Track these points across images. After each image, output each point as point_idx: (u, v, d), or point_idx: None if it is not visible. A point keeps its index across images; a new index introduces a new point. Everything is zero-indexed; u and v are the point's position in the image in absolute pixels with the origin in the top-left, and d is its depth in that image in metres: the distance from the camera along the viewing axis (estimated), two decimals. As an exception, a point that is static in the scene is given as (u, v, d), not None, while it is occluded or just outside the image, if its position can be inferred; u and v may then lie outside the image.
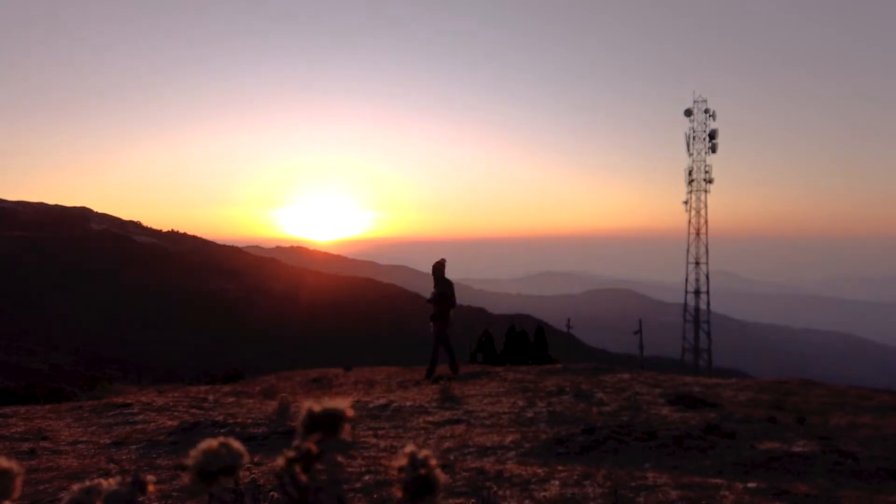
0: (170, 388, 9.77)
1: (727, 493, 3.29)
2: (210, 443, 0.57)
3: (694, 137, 53.61)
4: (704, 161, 53.62)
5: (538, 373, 10.12)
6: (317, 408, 0.53)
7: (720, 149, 53.58)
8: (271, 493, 2.97)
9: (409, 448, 0.55)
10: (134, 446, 4.71)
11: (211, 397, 7.71)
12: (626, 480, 3.46)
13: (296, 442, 0.55)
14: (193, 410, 6.54)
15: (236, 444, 0.57)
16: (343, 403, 0.53)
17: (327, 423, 0.52)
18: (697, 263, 53.26)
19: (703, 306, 52.38)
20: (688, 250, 53.58)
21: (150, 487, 0.63)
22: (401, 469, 0.54)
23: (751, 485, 3.43)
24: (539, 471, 3.71)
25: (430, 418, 6.12)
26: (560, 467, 3.83)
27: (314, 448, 0.54)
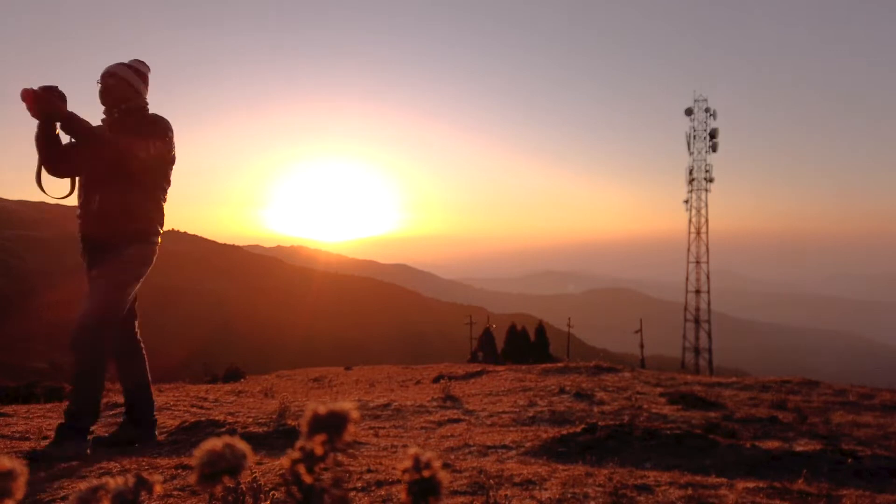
0: (170, 388, 9.80)
1: (728, 492, 3.29)
2: (214, 443, 0.57)
3: (694, 136, 53.65)
4: (705, 160, 53.71)
5: (539, 372, 10.12)
6: (321, 409, 0.53)
7: (721, 148, 53.67)
8: (272, 492, 2.97)
9: (413, 450, 0.55)
10: (135, 445, 4.72)
11: (211, 396, 7.72)
12: (627, 480, 3.46)
13: (300, 443, 0.56)
14: (194, 409, 6.54)
15: (241, 445, 0.57)
16: (348, 405, 0.53)
17: (332, 424, 0.52)
18: (698, 262, 53.29)
19: (703, 305, 52.43)
20: (688, 249, 53.62)
21: (158, 488, 0.63)
22: (405, 471, 0.54)
23: (751, 484, 3.44)
24: (540, 470, 3.71)
25: (430, 417, 6.12)
26: (561, 467, 3.83)
27: (319, 449, 0.54)
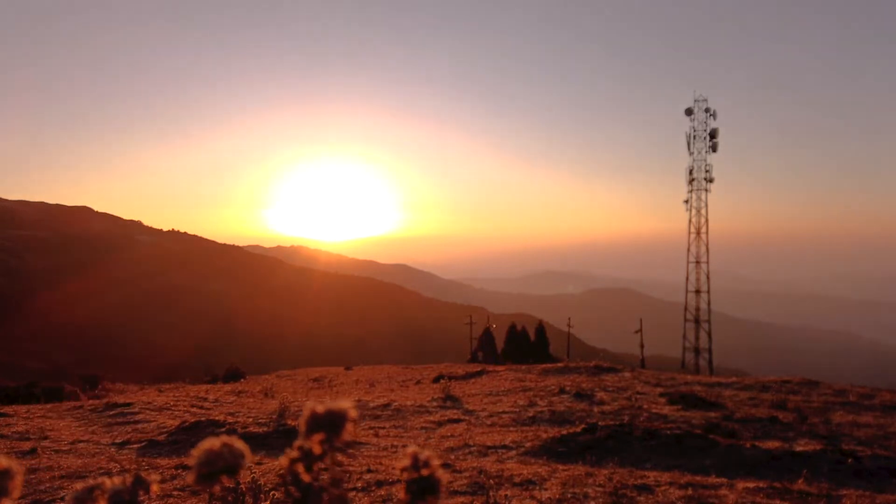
0: (170, 388, 9.79)
1: (728, 492, 3.28)
2: (212, 442, 0.56)
3: (694, 136, 53.64)
4: (705, 160, 53.68)
5: (539, 372, 10.12)
6: (320, 408, 0.53)
7: (721, 148, 53.68)
8: (272, 492, 2.97)
9: (412, 448, 0.55)
10: (135, 445, 4.71)
11: (211, 396, 7.72)
12: (627, 480, 3.46)
13: (298, 442, 0.55)
14: (194, 409, 6.54)
15: (239, 444, 0.57)
16: (346, 403, 0.53)
17: (330, 423, 0.52)
18: (698, 262, 53.26)
19: (703, 305, 52.39)
20: (688, 249, 53.59)
21: (155, 487, 0.63)
22: (403, 469, 0.54)
23: (752, 484, 3.43)
24: (540, 470, 3.71)
25: (430, 418, 6.12)
26: (561, 467, 3.83)
27: (317, 448, 0.54)
